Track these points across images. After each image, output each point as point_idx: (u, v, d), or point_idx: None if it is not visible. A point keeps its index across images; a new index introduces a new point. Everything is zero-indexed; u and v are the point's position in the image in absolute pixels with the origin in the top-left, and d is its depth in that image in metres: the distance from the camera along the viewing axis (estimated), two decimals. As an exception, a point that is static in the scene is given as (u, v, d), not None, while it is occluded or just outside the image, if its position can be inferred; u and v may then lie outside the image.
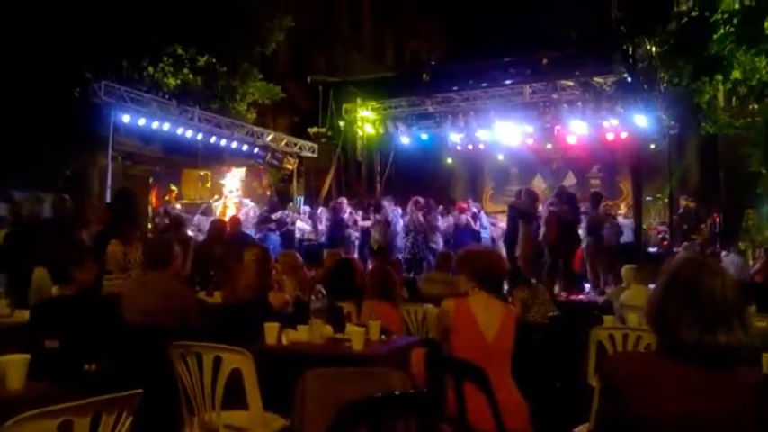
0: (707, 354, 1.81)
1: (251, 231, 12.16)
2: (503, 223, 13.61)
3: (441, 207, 13.88)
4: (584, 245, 10.88)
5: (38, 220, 7.12)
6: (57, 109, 11.70)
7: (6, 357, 2.82)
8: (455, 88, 16.09)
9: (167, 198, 14.25)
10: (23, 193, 12.73)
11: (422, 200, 12.93)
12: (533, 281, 6.76)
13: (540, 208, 10.76)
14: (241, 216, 12.29)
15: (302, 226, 13.51)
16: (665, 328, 1.91)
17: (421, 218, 12.59)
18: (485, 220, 14.11)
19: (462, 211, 13.63)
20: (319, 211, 13.92)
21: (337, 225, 12.55)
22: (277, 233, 12.66)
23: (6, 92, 11.45)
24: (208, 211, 13.46)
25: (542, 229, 10.33)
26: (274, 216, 12.86)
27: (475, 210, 13.96)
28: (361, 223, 13.35)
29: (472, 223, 13.39)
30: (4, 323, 5.04)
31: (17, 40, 11.50)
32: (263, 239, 11.90)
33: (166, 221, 11.00)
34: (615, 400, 1.89)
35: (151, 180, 14.48)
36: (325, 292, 4.48)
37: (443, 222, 13.43)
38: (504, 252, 10.28)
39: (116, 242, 5.97)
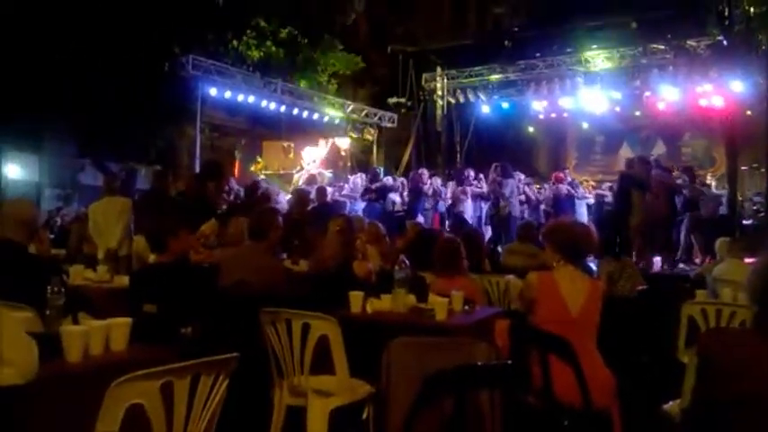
0: None
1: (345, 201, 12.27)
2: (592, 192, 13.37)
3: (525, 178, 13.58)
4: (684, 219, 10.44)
5: (132, 189, 7.41)
6: (147, 83, 12.14)
7: (111, 321, 2.97)
8: (538, 54, 15.70)
9: (253, 168, 14.62)
10: (117, 165, 13.38)
11: (500, 166, 12.68)
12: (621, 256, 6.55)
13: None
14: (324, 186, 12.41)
15: (393, 196, 13.51)
16: (763, 304, 1.82)
17: (498, 184, 12.38)
18: (581, 189, 13.68)
19: (559, 180, 13.25)
20: (400, 181, 13.91)
21: (417, 196, 12.49)
22: (380, 203, 12.67)
23: (99, 68, 11.95)
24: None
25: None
26: (374, 186, 12.89)
27: (570, 179, 13.57)
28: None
29: (573, 192, 13.01)
30: (105, 288, 5.33)
31: (109, 19, 11.94)
32: (367, 210, 12.03)
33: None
34: (714, 379, 1.84)
35: (237, 152, 14.85)
36: (407, 263, 4.49)
37: (546, 193, 13.15)
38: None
39: (213, 223, 6.11)
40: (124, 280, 5.11)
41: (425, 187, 12.54)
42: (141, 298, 3.74)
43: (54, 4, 11.68)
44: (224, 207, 7.87)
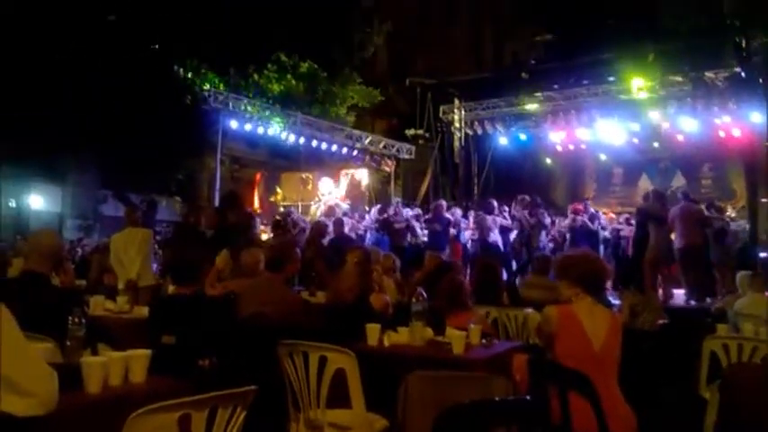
0: None
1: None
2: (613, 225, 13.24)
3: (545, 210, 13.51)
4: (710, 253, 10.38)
5: (153, 221, 7.50)
6: (169, 116, 12.35)
7: (130, 352, 2.99)
8: (555, 86, 15.76)
9: (273, 199, 14.74)
10: (139, 196, 13.56)
11: (527, 197, 12.63)
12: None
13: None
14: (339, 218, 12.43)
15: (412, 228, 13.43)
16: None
17: (527, 216, 12.30)
18: (603, 219, 13.46)
19: (577, 212, 13.13)
20: (416, 212, 13.88)
21: (444, 227, 12.36)
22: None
23: (123, 102, 12.18)
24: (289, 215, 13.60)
25: (677, 231, 9.85)
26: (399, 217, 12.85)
27: (593, 210, 13.42)
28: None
29: (589, 224, 12.85)
30: (125, 318, 5.37)
31: (135, 54, 12.21)
32: (379, 241, 12.00)
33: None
34: (737, 416, 1.81)
35: (259, 176, 14.97)
36: (425, 295, 4.49)
37: (557, 224, 13.10)
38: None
39: (225, 255, 6.12)
40: (144, 311, 5.15)
41: (444, 218, 12.46)
42: (160, 329, 3.77)
43: (78, 45, 11.96)
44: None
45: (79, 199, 14.68)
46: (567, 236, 12.78)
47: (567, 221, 13.07)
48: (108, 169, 13.78)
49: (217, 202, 11.50)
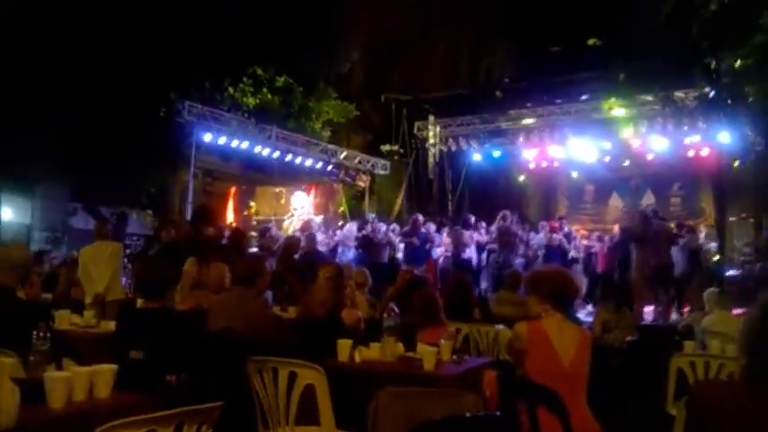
0: None
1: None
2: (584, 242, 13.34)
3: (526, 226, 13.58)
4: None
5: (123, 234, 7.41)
6: (142, 128, 12.24)
7: (95, 367, 2.94)
8: (529, 105, 15.94)
9: (246, 213, 14.64)
10: (109, 209, 13.39)
11: (508, 213, 12.66)
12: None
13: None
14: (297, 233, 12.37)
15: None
16: (759, 359, 1.80)
17: (515, 229, 12.32)
18: (577, 239, 13.55)
19: (554, 230, 13.20)
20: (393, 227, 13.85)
21: (411, 242, 12.35)
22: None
23: (94, 112, 12.05)
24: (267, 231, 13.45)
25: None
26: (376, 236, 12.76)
27: (567, 229, 13.50)
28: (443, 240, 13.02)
29: (565, 243, 12.95)
30: (91, 333, 5.29)
31: (105, 64, 12.09)
32: (357, 258, 11.94)
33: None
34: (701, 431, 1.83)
35: (234, 190, 14.87)
36: (397, 310, 4.49)
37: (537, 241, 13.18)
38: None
39: (193, 261, 6.08)
40: (111, 325, 5.07)
41: (421, 234, 12.43)
42: (128, 344, 3.72)
43: (48, 51, 11.83)
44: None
45: (48, 211, 14.46)
46: (540, 253, 12.87)
47: (542, 238, 13.15)
48: (78, 181, 13.61)
49: (189, 216, 11.40)
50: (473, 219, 13.15)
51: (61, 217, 14.46)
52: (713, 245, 12.56)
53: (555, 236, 12.94)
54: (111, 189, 12.78)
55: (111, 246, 7.47)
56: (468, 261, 12.19)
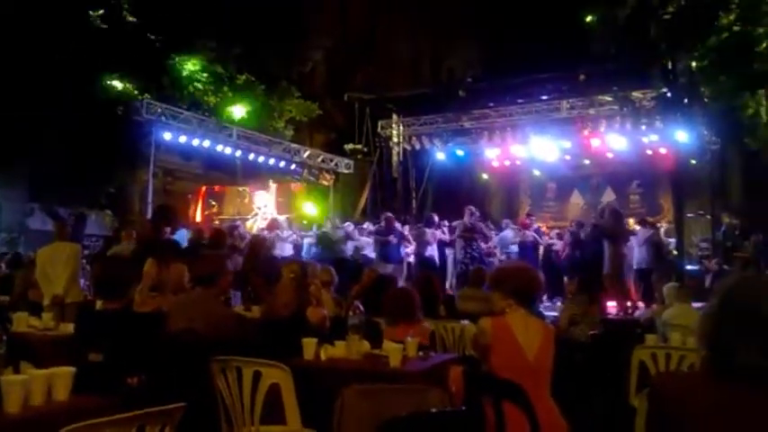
0: (763, 377, 1.74)
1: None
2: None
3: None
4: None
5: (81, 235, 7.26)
6: (100, 127, 11.99)
7: (53, 370, 2.88)
8: (491, 104, 16.07)
9: (207, 213, 14.47)
10: (67, 209, 13.10)
11: (474, 209, 12.68)
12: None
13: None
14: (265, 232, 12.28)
15: (360, 243, 13.33)
16: (719, 349, 1.83)
17: (481, 225, 12.35)
18: (543, 236, 13.49)
19: (526, 226, 13.26)
20: (365, 226, 13.79)
21: (387, 240, 12.31)
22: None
23: (50, 111, 11.78)
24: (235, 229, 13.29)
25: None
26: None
27: (536, 226, 13.53)
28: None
29: (537, 239, 13.02)
30: (50, 336, 5.16)
31: (62, 62, 11.83)
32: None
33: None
34: (665, 423, 1.84)
35: (203, 190, 14.67)
36: (362, 308, 4.47)
37: (505, 238, 13.23)
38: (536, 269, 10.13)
39: (152, 262, 5.96)
40: (70, 328, 4.96)
41: (395, 232, 12.41)
42: (87, 346, 3.63)
43: (5, 47, 11.53)
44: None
45: (5, 212, 14.10)
46: (497, 249, 12.93)
47: (509, 235, 13.23)
48: (36, 181, 13.28)
49: (149, 215, 11.22)
50: (436, 217, 13.19)
51: (18, 218, 14.11)
52: (672, 240, 12.82)
53: (528, 233, 13.01)
54: (70, 189, 12.49)
55: (69, 247, 7.31)
56: (431, 259, 12.23)
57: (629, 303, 9.82)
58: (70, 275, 7.04)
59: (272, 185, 16.12)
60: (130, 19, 12.44)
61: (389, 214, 12.78)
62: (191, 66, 13.59)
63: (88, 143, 11.85)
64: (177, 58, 13.37)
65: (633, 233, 11.07)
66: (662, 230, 13.10)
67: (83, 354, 3.56)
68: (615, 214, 10.50)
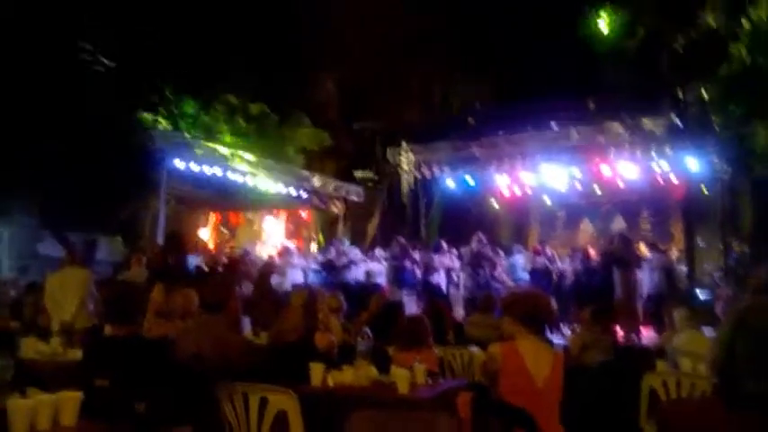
0: None
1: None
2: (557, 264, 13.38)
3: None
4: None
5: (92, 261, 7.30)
6: (112, 154, 12.11)
7: (60, 394, 2.87)
8: (500, 132, 16.08)
9: (220, 241, 14.53)
10: (79, 236, 13.17)
11: (482, 236, 12.68)
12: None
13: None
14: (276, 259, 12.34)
15: (372, 268, 13.37)
16: (730, 377, 1.81)
17: (489, 252, 12.36)
18: (558, 263, 13.42)
19: (537, 253, 13.20)
20: (377, 252, 13.83)
21: (402, 266, 12.31)
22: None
23: (64, 138, 11.91)
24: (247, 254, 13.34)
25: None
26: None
27: (549, 252, 13.47)
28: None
29: (549, 265, 12.93)
30: (58, 361, 5.16)
31: (75, 89, 11.99)
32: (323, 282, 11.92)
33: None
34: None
35: (218, 217, 14.75)
36: (370, 334, 4.46)
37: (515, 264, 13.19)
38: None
39: (159, 288, 5.97)
40: (78, 354, 4.96)
41: (409, 258, 12.45)
42: (94, 372, 3.63)
43: (14, 75, 11.71)
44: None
45: (17, 238, 14.20)
46: (506, 276, 12.86)
47: (524, 261, 13.17)
48: (47, 208, 13.40)
49: (160, 242, 11.27)
50: (445, 244, 13.17)
51: (29, 244, 14.21)
52: (683, 269, 12.74)
53: (538, 259, 12.94)
54: (81, 215, 12.58)
55: (79, 272, 7.34)
56: (437, 286, 12.22)
57: (638, 329, 9.78)
58: (79, 301, 7.06)
59: (283, 213, 16.18)
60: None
61: (402, 239, 12.81)
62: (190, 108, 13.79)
63: (100, 169, 11.96)
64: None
65: (644, 259, 11.00)
66: (673, 256, 13.06)
67: (90, 379, 3.56)
68: (625, 241, 10.48)
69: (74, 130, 11.94)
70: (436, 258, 12.46)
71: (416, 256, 12.72)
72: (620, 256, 10.03)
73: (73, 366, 4.67)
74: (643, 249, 11.77)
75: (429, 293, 11.47)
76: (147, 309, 5.72)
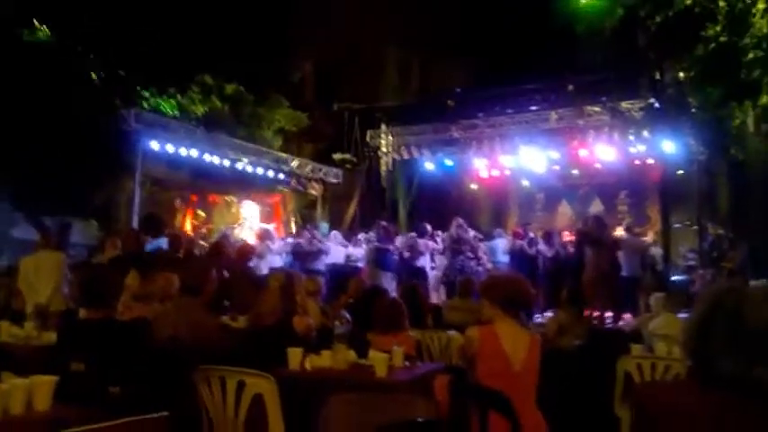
0: (745, 386, 1.73)
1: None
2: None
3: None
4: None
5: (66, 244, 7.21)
6: (86, 136, 11.91)
7: (33, 379, 2.84)
8: (480, 114, 16.09)
9: (197, 223, 14.40)
10: (53, 219, 12.98)
11: (462, 221, 12.68)
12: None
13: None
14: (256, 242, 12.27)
15: (353, 252, 13.34)
16: (700, 357, 1.82)
17: (468, 236, 12.36)
18: (542, 244, 13.17)
19: (517, 236, 13.16)
20: (360, 236, 13.82)
21: (387, 249, 12.28)
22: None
23: (37, 120, 11.69)
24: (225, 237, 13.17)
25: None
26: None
27: (531, 235, 13.41)
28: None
29: (527, 249, 12.88)
30: (32, 345, 5.10)
31: (49, 71, 11.76)
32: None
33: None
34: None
35: (178, 202, 14.61)
36: (349, 318, 4.45)
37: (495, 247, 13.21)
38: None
39: (134, 274, 5.89)
40: (53, 337, 4.90)
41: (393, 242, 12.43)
42: (69, 355, 3.59)
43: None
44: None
45: (-11, 222, 13.97)
46: (486, 259, 12.86)
47: (504, 244, 13.18)
48: (21, 191, 13.16)
49: (135, 225, 11.14)
50: (429, 227, 13.14)
51: (2, 227, 13.97)
52: (659, 251, 12.87)
53: (517, 242, 12.88)
54: (55, 198, 12.38)
55: (53, 255, 7.27)
56: (423, 269, 12.22)
57: (610, 312, 9.89)
58: (54, 284, 6.99)
59: (260, 195, 16.08)
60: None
61: (384, 223, 12.80)
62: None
63: (73, 152, 11.76)
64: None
65: (619, 241, 11.07)
66: (648, 239, 13.22)
67: (65, 363, 3.52)
68: (598, 222, 10.57)
69: (46, 113, 11.71)
70: (421, 242, 12.46)
71: (399, 240, 12.69)
72: (593, 238, 10.11)
73: (49, 350, 4.63)
74: (619, 233, 11.88)
75: (412, 277, 11.47)
76: (122, 292, 5.65)
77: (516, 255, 12.62)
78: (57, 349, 4.00)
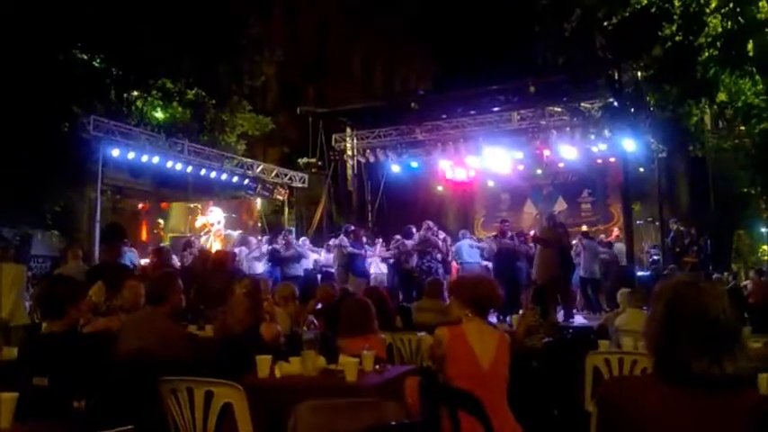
0: (711, 381, 1.75)
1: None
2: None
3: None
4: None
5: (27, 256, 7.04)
6: (45, 144, 11.67)
7: (-7, 396, 2.76)
8: (444, 116, 16.19)
9: (156, 231, 14.19)
10: (12, 231, 12.69)
11: (431, 223, 12.69)
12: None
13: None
14: (235, 249, 12.17)
15: (321, 258, 13.27)
16: (665, 354, 1.83)
17: (435, 237, 12.38)
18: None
19: (503, 234, 13.06)
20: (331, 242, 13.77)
21: (360, 254, 12.26)
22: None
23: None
24: (189, 245, 12.99)
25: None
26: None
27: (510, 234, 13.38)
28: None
29: (492, 247, 12.78)
30: (-8, 361, 4.96)
31: (5, 78, 11.50)
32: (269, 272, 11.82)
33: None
34: (614, 427, 1.85)
35: (144, 206, 14.39)
36: (317, 323, 4.42)
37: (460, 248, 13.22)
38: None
39: (100, 286, 5.77)
40: (14, 352, 4.78)
41: (364, 246, 12.47)
42: (31, 370, 3.50)
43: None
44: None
45: (-55, 235, 13.60)
46: (452, 260, 12.87)
47: (470, 245, 13.18)
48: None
49: (97, 235, 10.93)
50: (414, 229, 13.06)
51: (-41, 240, 13.62)
52: (623, 247, 13.07)
53: (504, 240, 12.82)
54: (13, 209, 12.11)
55: (13, 268, 7.08)
56: (412, 271, 12.22)
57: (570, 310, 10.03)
58: (15, 298, 6.82)
59: (225, 201, 15.92)
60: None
61: (353, 227, 12.79)
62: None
63: (31, 161, 11.51)
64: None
65: (569, 242, 11.11)
66: (614, 236, 13.47)
67: (27, 378, 3.44)
68: (551, 220, 10.68)
69: (4, 122, 11.44)
70: (409, 244, 12.44)
71: (378, 243, 12.78)
72: (543, 237, 10.21)
73: (10, 365, 4.51)
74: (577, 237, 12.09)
75: (405, 279, 11.59)
76: (82, 302, 5.53)
77: (504, 254, 12.43)
78: (18, 364, 3.90)
